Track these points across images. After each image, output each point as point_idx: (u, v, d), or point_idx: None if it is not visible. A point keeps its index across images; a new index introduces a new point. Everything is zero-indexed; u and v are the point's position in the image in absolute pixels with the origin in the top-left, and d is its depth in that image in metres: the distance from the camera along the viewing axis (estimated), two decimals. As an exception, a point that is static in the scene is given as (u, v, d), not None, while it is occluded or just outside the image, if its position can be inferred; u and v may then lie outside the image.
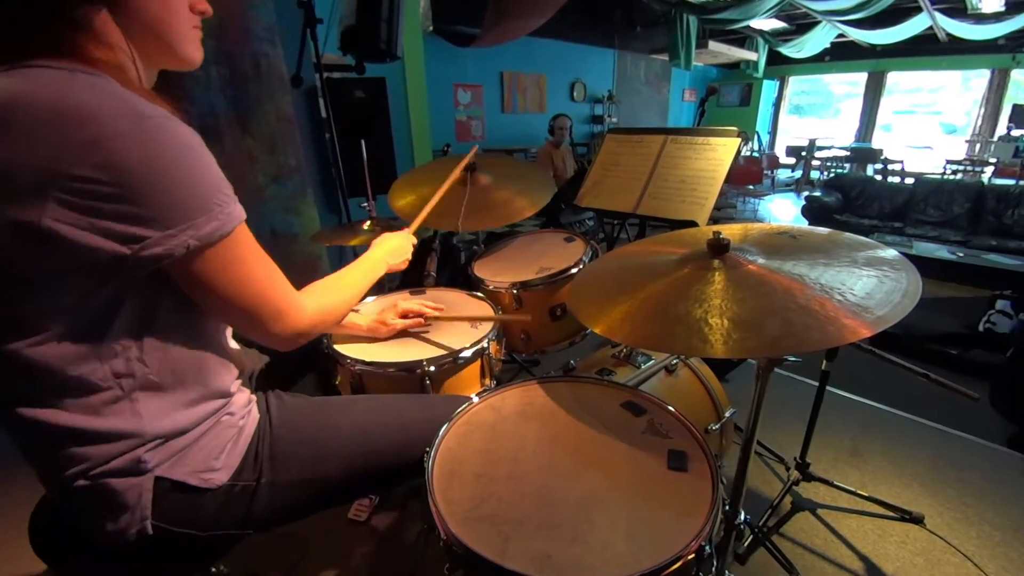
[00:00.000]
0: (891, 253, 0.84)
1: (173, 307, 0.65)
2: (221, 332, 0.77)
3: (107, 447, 0.63)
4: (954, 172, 7.89)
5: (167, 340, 0.66)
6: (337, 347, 1.13)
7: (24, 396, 0.60)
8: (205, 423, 0.72)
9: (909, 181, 6.14)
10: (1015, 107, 7.72)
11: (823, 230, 0.96)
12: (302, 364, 1.15)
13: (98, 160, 0.51)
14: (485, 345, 1.14)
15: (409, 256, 1.14)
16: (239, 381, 0.81)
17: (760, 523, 1.49)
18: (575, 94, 8.52)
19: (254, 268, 0.67)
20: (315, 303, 0.78)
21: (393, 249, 1.08)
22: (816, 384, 1.56)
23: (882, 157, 8.50)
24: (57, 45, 0.56)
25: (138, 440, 0.64)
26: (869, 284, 0.75)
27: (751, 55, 9.03)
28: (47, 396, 0.60)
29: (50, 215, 0.51)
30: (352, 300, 0.90)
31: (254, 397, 0.84)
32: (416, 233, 1.22)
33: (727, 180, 1.52)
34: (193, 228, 0.57)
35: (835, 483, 1.64)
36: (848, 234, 0.93)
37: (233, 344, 0.83)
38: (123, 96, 0.55)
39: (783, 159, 10.10)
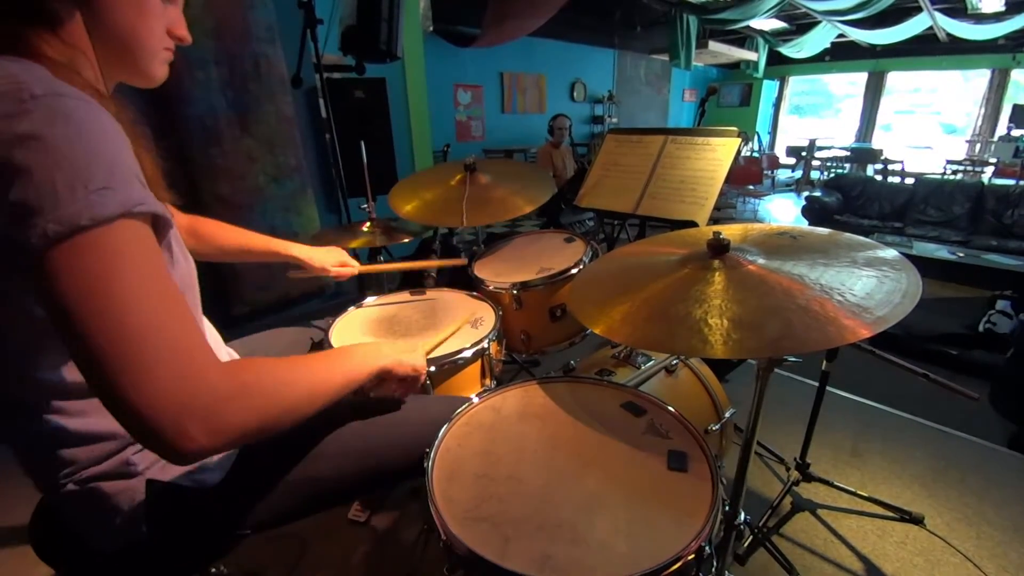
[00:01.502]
0: (891, 253, 0.84)
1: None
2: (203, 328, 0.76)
3: (93, 449, 0.63)
4: (954, 172, 7.89)
5: None
6: (337, 346, 1.13)
7: (11, 401, 0.60)
8: None
9: (909, 181, 6.14)
10: (1015, 107, 7.72)
11: (823, 230, 0.96)
12: None
13: None
14: (485, 346, 1.14)
15: (421, 363, 0.87)
16: None
17: (760, 523, 1.49)
18: (575, 94, 8.52)
19: (144, 287, 0.47)
20: (231, 373, 0.51)
21: (395, 348, 0.83)
22: (816, 384, 1.56)
23: (882, 157, 8.51)
24: (9, 39, 0.52)
25: (123, 441, 0.64)
26: (869, 284, 0.75)
27: (751, 55, 9.04)
28: (33, 400, 0.60)
29: None
30: (308, 398, 0.60)
31: None
32: (416, 233, 1.23)
33: (727, 180, 1.52)
34: (54, 210, 0.43)
35: (835, 483, 1.64)
36: (848, 234, 0.93)
37: (219, 340, 0.83)
38: (19, 76, 0.47)
39: (783, 159, 10.10)
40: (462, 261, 1.44)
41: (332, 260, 1.25)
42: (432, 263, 1.41)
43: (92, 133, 0.47)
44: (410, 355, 0.84)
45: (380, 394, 0.86)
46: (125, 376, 0.44)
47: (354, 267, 1.29)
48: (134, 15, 0.59)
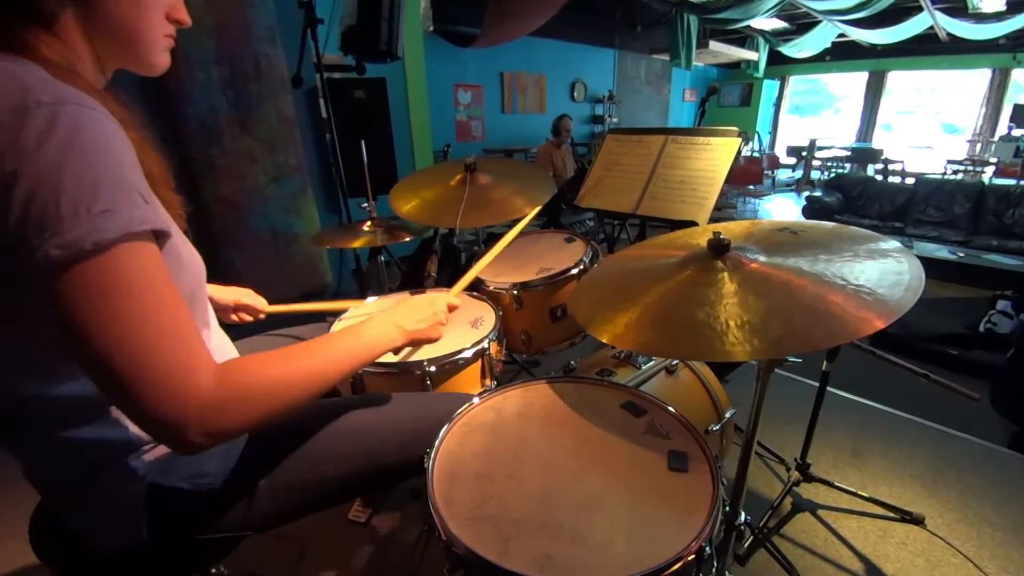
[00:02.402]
0: (892, 243, 0.84)
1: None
2: (204, 331, 0.76)
3: (94, 456, 0.62)
4: (955, 172, 7.89)
5: None
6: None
7: (14, 408, 0.60)
8: None
9: (910, 181, 6.14)
10: (1016, 107, 7.71)
11: (826, 223, 0.96)
12: None
13: None
14: (485, 346, 1.13)
15: (443, 320, 0.88)
16: None
17: (760, 524, 1.49)
18: (575, 94, 8.52)
19: (142, 310, 0.49)
20: (224, 380, 0.53)
21: (416, 313, 0.83)
22: (816, 384, 1.55)
23: (883, 157, 8.50)
24: (6, 40, 0.52)
25: (124, 448, 0.64)
26: (873, 276, 0.74)
27: (752, 55, 9.03)
28: (36, 407, 0.59)
29: None
30: (311, 386, 0.63)
31: None
32: (417, 233, 1.21)
33: (727, 180, 1.52)
34: (58, 234, 0.44)
35: (835, 484, 1.64)
36: (851, 227, 0.93)
37: (221, 341, 0.83)
38: (25, 81, 0.47)
39: (783, 159, 10.10)
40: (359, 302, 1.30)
41: (241, 294, 1.12)
42: (332, 305, 1.25)
43: (97, 148, 0.48)
44: (426, 322, 0.84)
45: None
46: (134, 390, 0.48)
47: (261, 309, 1.14)
48: (132, 6, 0.59)
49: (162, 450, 0.67)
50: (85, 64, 0.59)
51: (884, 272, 0.75)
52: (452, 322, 1.23)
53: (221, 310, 1.09)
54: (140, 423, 0.51)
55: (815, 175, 9.53)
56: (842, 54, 9.24)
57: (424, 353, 1.08)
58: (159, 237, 0.54)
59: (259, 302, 1.14)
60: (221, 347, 0.82)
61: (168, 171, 0.68)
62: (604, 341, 0.81)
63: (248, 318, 1.14)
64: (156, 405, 0.49)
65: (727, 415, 1.29)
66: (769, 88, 11.02)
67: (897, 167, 8.21)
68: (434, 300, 0.88)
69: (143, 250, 0.50)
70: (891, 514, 1.56)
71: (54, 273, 0.45)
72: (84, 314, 0.46)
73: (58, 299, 0.46)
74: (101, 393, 0.54)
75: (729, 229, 1.00)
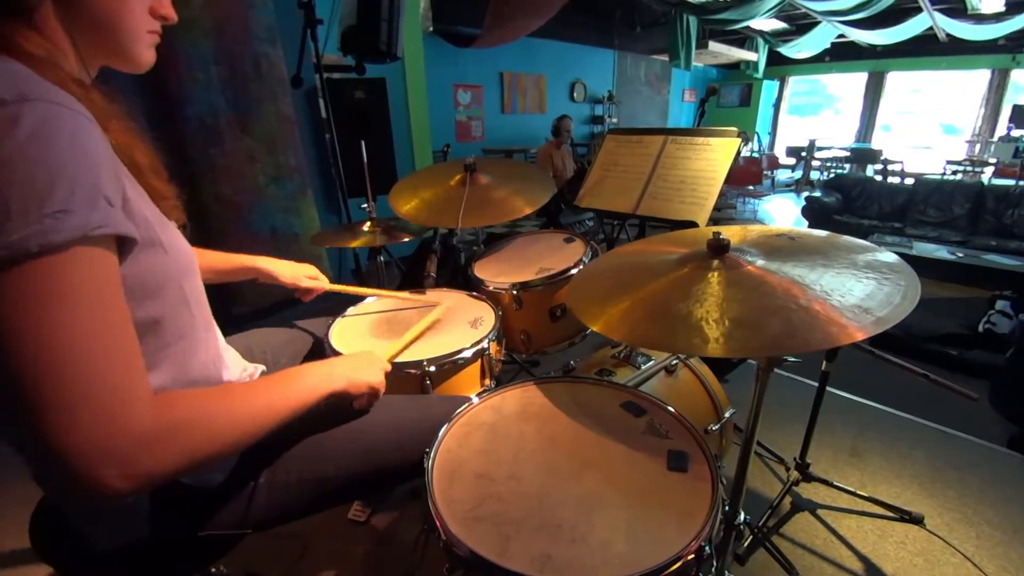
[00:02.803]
0: (890, 257, 0.84)
1: (153, 310, 0.62)
2: (211, 330, 0.75)
3: None
4: (954, 172, 7.89)
5: (149, 341, 0.63)
6: (337, 347, 1.13)
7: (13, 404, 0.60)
8: None
9: (909, 181, 6.14)
10: (1015, 107, 7.72)
11: (821, 232, 0.96)
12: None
13: None
14: (485, 346, 1.14)
15: (380, 378, 0.84)
16: (233, 380, 0.80)
17: (760, 523, 1.49)
18: (575, 94, 8.52)
19: (83, 324, 0.45)
20: (161, 411, 0.49)
21: (358, 365, 0.82)
22: (816, 384, 1.56)
23: (882, 157, 8.50)
24: None
25: None
26: (869, 286, 0.75)
27: (751, 55, 9.05)
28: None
29: None
30: (248, 431, 0.58)
31: None
32: (416, 233, 1.22)
33: (727, 181, 1.52)
34: (3, 233, 0.42)
35: (835, 483, 1.64)
36: (846, 237, 0.93)
37: (223, 342, 0.83)
38: None
39: (783, 159, 10.10)
40: (436, 304, 1.28)
41: (303, 273, 1.20)
42: (400, 295, 1.34)
43: (58, 146, 0.45)
44: (367, 371, 0.80)
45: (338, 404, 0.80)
46: (46, 414, 0.42)
47: (324, 283, 1.23)
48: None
49: None
50: (68, 59, 0.58)
51: (879, 291, 0.74)
52: (452, 322, 1.24)
53: (295, 281, 1.17)
54: (48, 455, 0.42)
55: (814, 175, 9.54)
56: (841, 55, 9.26)
57: (424, 353, 1.09)
58: (124, 244, 0.51)
59: (321, 282, 1.22)
60: (222, 355, 0.82)
61: (159, 162, 0.68)
62: (597, 330, 0.81)
63: (317, 288, 1.21)
64: (76, 433, 0.43)
65: (726, 415, 1.30)
66: (768, 88, 11.04)
67: (896, 167, 8.21)
68: (372, 356, 0.87)
69: (96, 258, 0.47)
70: (890, 514, 1.57)
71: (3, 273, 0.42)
72: (15, 320, 0.42)
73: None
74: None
75: (728, 231, 1.00)
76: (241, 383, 0.64)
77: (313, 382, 0.71)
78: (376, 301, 1.38)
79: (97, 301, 0.47)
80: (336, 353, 1.11)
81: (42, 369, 0.43)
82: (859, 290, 0.73)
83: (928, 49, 8.15)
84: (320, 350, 1.16)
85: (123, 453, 0.45)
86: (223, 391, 0.60)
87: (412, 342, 1.10)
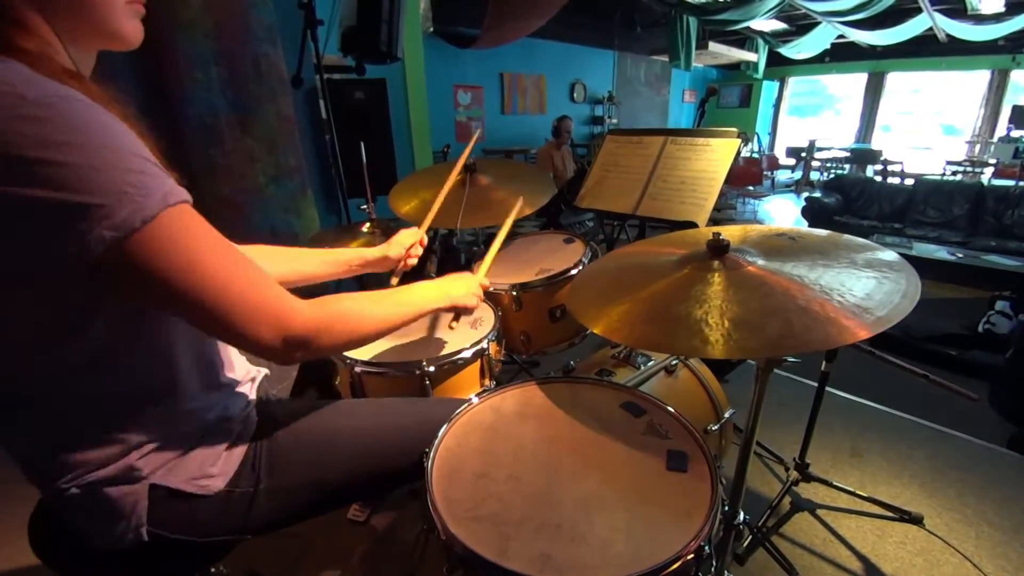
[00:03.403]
0: (890, 255, 0.84)
1: (153, 312, 0.63)
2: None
3: (96, 455, 0.62)
4: (954, 173, 7.90)
5: (152, 346, 0.64)
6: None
7: (11, 407, 0.60)
8: (200, 429, 0.71)
9: (909, 182, 6.15)
10: (1015, 108, 7.72)
11: (822, 232, 0.96)
12: (303, 371, 1.15)
13: None
14: (485, 346, 1.14)
15: (478, 294, 1.01)
16: (235, 386, 0.80)
17: (759, 523, 1.49)
18: (575, 95, 8.53)
19: (208, 256, 0.56)
20: (319, 308, 0.65)
21: (454, 287, 0.96)
22: (816, 385, 1.56)
23: (882, 158, 8.52)
24: None
25: (127, 447, 0.64)
26: (869, 285, 0.75)
27: (751, 56, 9.04)
28: (34, 406, 0.59)
29: None
30: (379, 322, 0.76)
31: (252, 400, 0.83)
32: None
33: (727, 181, 1.52)
34: (105, 217, 0.48)
35: (834, 483, 1.65)
36: (847, 236, 0.93)
37: (225, 349, 0.83)
38: (8, 80, 0.47)
39: (783, 160, 10.11)
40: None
41: (407, 243, 1.18)
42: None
43: (101, 132, 0.50)
44: (465, 293, 0.97)
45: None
46: (236, 330, 0.58)
47: (422, 236, 1.22)
48: None
49: (165, 450, 0.67)
50: (57, 51, 0.57)
51: (879, 288, 0.75)
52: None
53: (404, 253, 1.16)
54: (253, 351, 0.60)
55: (814, 176, 9.54)
56: (841, 55, 9.25)
57: (424, 353, 1.09)
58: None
59: (413, 234, 1.20)
60: (223, 360, 0.82)
61: (157, 149, 0.68)
62: (598, 332, 0.81)
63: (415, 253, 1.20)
64: (267, 335, 0.59)
65: (726, 415, 1.30)
66: (768, 89, 11.04)
67: (896, 168, 8.22)
68: (471, 278, 1.01)
69: (185, 213, 0.55)
70: (890, 513, 1.57)
71: (120, 249, 0.50)
72: (158, 270, 0.52)
73: (132, 268, 0.51)
74: (105, 391, 0.58)
75: (728, 231, 1.00)
76: (372, 292, 0.78)
77: (428, 298, 0.89)
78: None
79: (216, 243, 0.58)
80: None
81: (215, 291, 0.55)
82: (860, 288, 0.73)
83: (928, 49, 8.15)
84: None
85: (301, 340, 0.62)
86: (363, 296, 0.75)
87: (495, 253, 1.18)
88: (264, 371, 0.93)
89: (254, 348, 0.60)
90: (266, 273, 0.62)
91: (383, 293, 0.81)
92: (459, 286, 0.97)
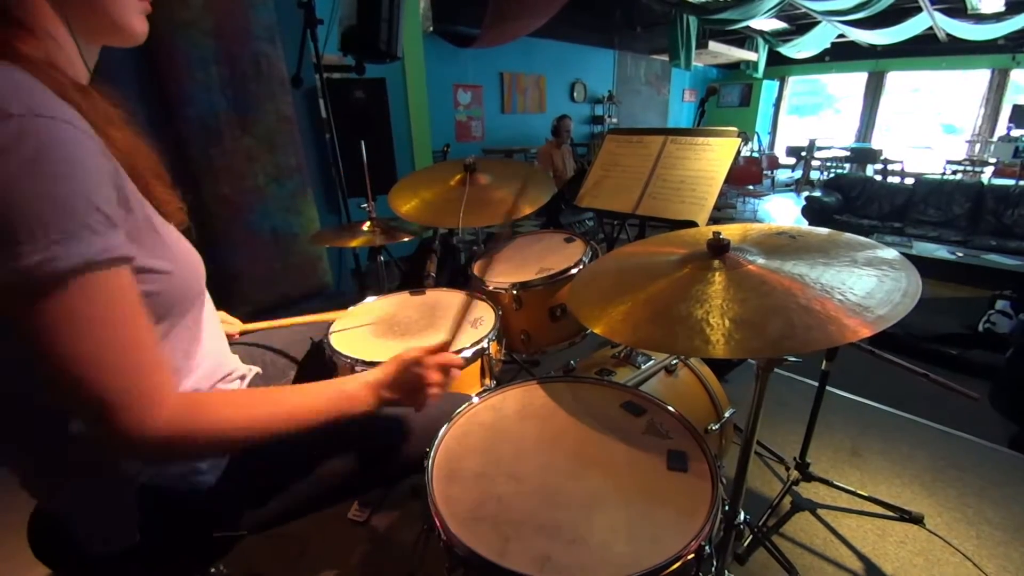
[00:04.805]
0: (891, 253, 0.84)
1: (165, 320, 0.63)
2: (200, 331, 0.75)
3: (87, 458, 0.62)
4: (954, 172, 7.89)
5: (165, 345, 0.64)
6: (336, 347, 1.13)
7: (9, 410, 0.60)
8: None
9: (909, 181, 6.14)
10: (1015, 107, 7.72)
11: (822, 230, 0.96)
12: (302, 371, 1.14)
13: None
14: (485, 345, 1.14)
15: (433, 378, 0.78)
16: (222, 382, 0.80)
17: (760, 523, 1.49)
18: (575, 94, 8.52)
19: (103, 336, 0.49)
20: (193, 420, 0.55)
21: (402, 377, 0.75)
22: (816, 384, 1.56)
23: (882, 157, 8.51)
24: None
25: None
26: (869, 284, 0.75)
27: (751, 55, 9.04)
28: (24, 412, 0.59)
29: None
30: (260, 426, 0.62)
31: None
32: (416, 233, 1.21)
33: (727, 180, 1.52)
34: (14, 258, 0.44)
35: (835, 483, 1.64)
36: (847, 234, 0.93)
37: (216, 344, 0.83)
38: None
39: (783, 159, 10.10)
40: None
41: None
42: (311, 318, 1.18)
43: (62, 167, 0.47)
44: (402, 380, 0.75)
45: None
46: (89, 411, 0.49)
47: (235, 325, 1.10)
48: None
49: None
50: (65, 51, 0.57)
51: (880, 286, 0.75)
52: (451, 321, 1.24)
53: None
54: (102, 432, 0.50)
55: (814, 175, 9.53)
56: (841, 54, 9.24)
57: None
58: (128, 261, 0.53)
59: (232, 324, 1.08)
60: (217, 351, 0.82)
61: (162, 166, 0.68)
62: (599, 333, 0.81)
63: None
64: (120, 428, 0.50)
65: (726, 415, 1.30)
66: (768, 88, 11.02)
67: (896, 167, 8.21)
68: (405, 360, 0.77)
69: (107, 277, 0.50)
70: (890, 513, 1.57)
71: (13, 292, 0.45)
72: (44, 335, 0.47)
73: (18, 315, 0.46)
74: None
75: (728, 230, 1.00)
76: (266, 389, 0.67)
77: (337, 405, 0.69)
78: (376, 301, 1.38)
79: (112, 317, 0.50)
80: (334, 352, 1.10)
81: (80, 375, 0.48)
82: (860, 287, 0.73)
83: (928, 49, 8.14)
84: (319, 351, 1.16)
85: (155, 443, 0.52)
86: (245, 397, 0.65)
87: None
88: (256, 369, 0.93)
89: (108, 437, 0.50)
90: (154, 350, 0.54)
91: (288, 391, 0.68)
92: (398, 377, 0.75)
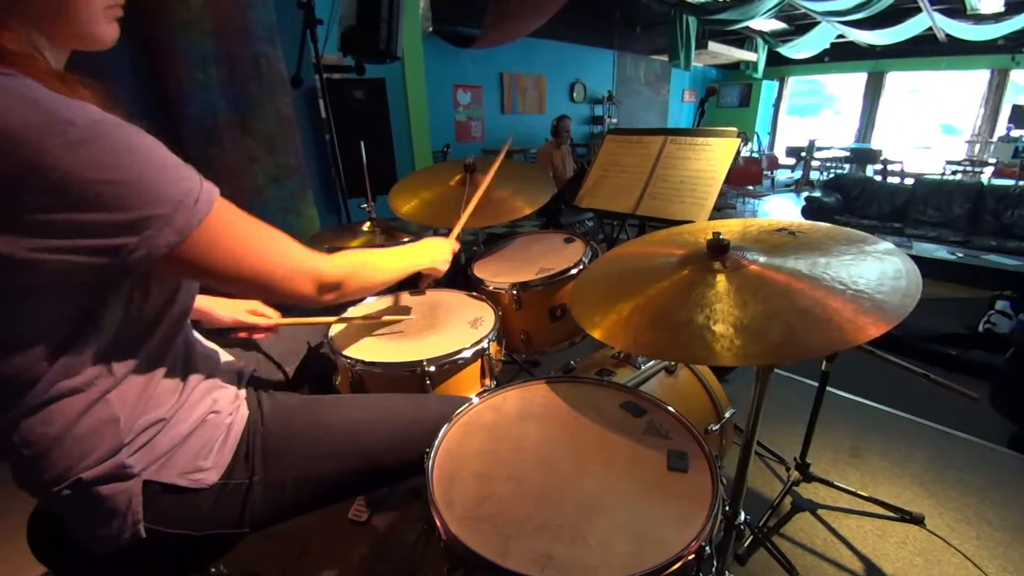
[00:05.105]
0: (887, 245, 0.84)
1: (144, 312, 0.64)
2: (192, 339, 0.77)
3: (87, 452, 0.62)
4: (953, 173, 7.90)
5: (139, 345, 0.65)
6: (337, 347, 1.13)
7: (9, 401, 0.60)
8: (189, 424, 0.71)
9: (909, 182, 6.15)
10: (1014, 107, 7.73)
11: (823, 224, 0.96)
12: (301, 371, 1.14)
13: (41, 185, 0.48)
14: (485, 346, 1.13)
15: (448, 259, 1.16)
16: (222, 379, 0.80)
17: (760, 523, 1.49)
18: (575, 95, 8.53)
19: (247, 237, 0.66)
20: (340, 259, 0.79)
21: (433, 252, 1.11)
22: (816, 384, 1.56)
23: (882, 158, 8.52)
24: None
25: (118, 444, 0.64)
26: (876, 270, 0.74)
27: (751, 56, 9.05)
28: (23, 405, 0.59)
29: (25, 246, 0.50)
30: (384, 274, 0.92)
31: (242, 394, 0.83)
32: (416, 233, 1.23)
33: (727, 181, 1.52)
34: (167, 224, 0.55)
35: (835, 483, 1.64)
36: (847, 229, 0.93)
37: (211, 344, 0.83)
38: (43, 104, 0.50)
39: (783, 160, 10.11)
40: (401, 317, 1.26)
41: (243, 308, 1.06)
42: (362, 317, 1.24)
43: (141, 140, 0.55)
44: (439, 257, 1.13)
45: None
46: (280, 292, 0.70)
47: (273, 318, 1.09)
48: None
49: (155, 446, 0.67)
50: (44, 51, 0.58)
51: (883, 275, 0.75)
52: (451, 321, 1.24)
53: (235, 318, 1.03)
54: (286, 298, 0.72)
55: (814, 175, 9.54)
56: (841, 55, 9.25)
57: (424, 353, 1.08)
58: None
59: (267, 314, 1.08)
60: (209, 354, 0.82)
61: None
62: (602, 340, 0.81)
63: (264, 323, 1.06)
64: (304, 289, 0.72)
65: (727, 415, 1.29)
66: (768, 89, 11.04)
67: (896, 168, 8.22)
68: (444, 245, 1.16)
69: (224, 203, 0.62)
70: (891, 513, 1.57)
71: (178, 249, 0.57)
72: (211, 261, 0.61)
73: (187, 263, 0.59)
74: (96, 386, 0.61)
75: (727, 227, 1.00)
76: (373, 251, 0.95)
77: (414, 259, 1.04)
78: (376, 300, 1.38)
79: (249, 223, 0.67)
80: (334, 351, 1.11)
81: (257, 264, 0.67)
82: (866, 278, 0.73)
83: (928, 49, 8.15)
84: (317, 352, 1.16)
85: (331, 288, 0.77)
86: (368, 252, 0.94)
87: (468, 216, 1.32)
88: (252, 366, 0.93)
89: (294, 300, 0.72)
90: (288, 237, 0.72)
91: (386, 251, 0.98)
92: (435, 253, 1.12)
